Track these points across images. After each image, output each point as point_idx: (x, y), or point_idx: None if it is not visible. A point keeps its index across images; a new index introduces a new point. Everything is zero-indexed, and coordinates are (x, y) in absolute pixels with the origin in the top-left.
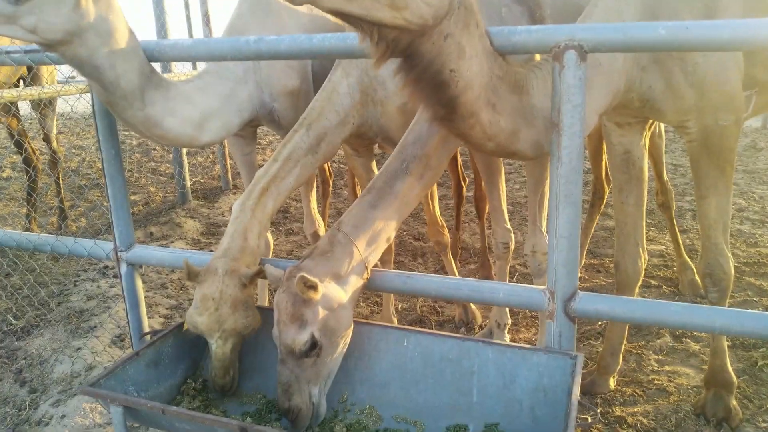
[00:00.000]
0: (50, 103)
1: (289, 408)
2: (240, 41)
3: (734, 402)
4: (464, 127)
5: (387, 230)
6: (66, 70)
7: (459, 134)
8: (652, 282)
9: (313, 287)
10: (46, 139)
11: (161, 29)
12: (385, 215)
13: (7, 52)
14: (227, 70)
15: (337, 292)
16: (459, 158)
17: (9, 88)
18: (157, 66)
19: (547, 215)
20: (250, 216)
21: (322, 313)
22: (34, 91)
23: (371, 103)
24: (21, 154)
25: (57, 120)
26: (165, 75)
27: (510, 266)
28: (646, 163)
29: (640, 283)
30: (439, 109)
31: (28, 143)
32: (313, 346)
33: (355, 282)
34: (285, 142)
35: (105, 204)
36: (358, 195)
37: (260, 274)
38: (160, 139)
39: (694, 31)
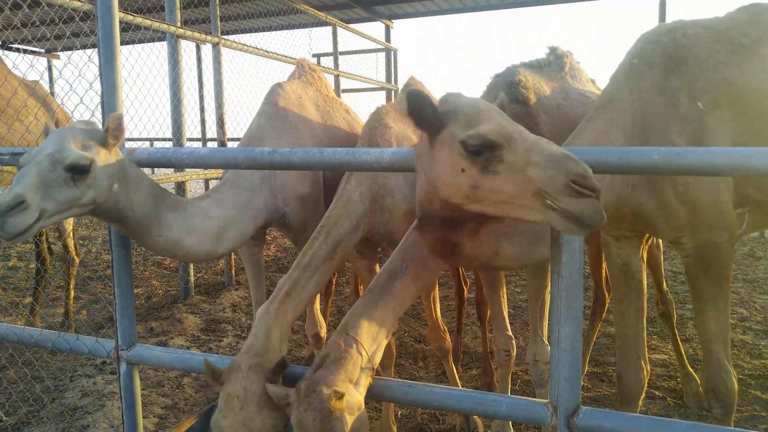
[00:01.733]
0: None
1: None
2: (255, 152)
3: None
4: (456, 258)
5: (387, 328)
6: None
7: (450, 262)
8: (656, 393)
9: (341, 398)
10: (64, 244)
11: (177, 131)
12: (385, 314)
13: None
14: (245, 179)
15: (356, 397)
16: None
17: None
18: None
19: (549, 329)
20: (273, 318)
21: (349, 420)
22: None
23: (380, 209)
24: (35, 247)
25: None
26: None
27: (512, 372)
28: (645, 275)
29: (643, 395)
30: (444, 250)
31: (45, 239)
32: None
33: (366, 381)
34: (306, 250)
35: (107, 296)
36: (361, 293)
37: (284, 367)
38: (183, 257)
39: (686, 157)
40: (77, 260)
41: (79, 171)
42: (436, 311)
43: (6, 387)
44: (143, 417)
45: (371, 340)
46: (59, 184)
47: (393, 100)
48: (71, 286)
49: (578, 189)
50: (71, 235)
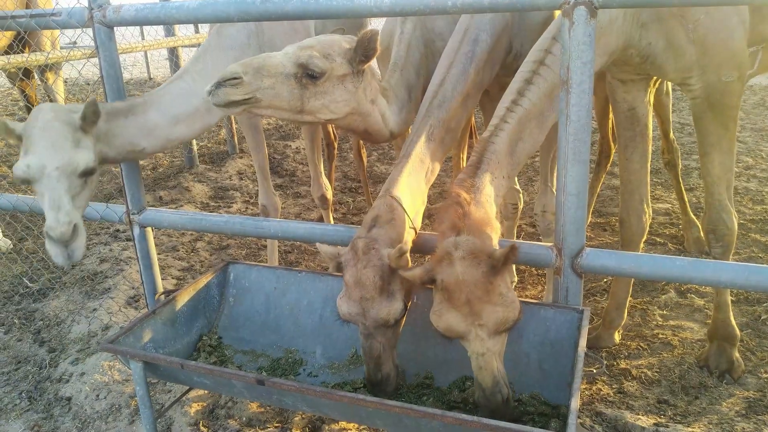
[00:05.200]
0: (55, 71)
1: (381, 378)
2: (246, 2)
3: (737, 354)
4: None
5: (423, 194)
6: (69, 33)
7: None
8: (658, 239)
9: (402, 255)
10: None
11: None
12: (420, 181)
13: (13, 17)
14: (230, 39)
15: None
16: (473, 120)
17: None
18: (160, 29)
19: (556, 174)
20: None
21: (403, 278)
22: (41, 57)
23: (431, 55)
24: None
25: (63, 86)
26: (168, 38)
27: (517, 226)
28: (650, 119)
29: (644, 239)
30: None
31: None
32: (405, 311)
33: (410, 243)
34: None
35: (114, 169)
36: (363, 158)
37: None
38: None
39: None
40: None
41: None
42: (463, 159)
43: (27, 256)
44: (161, 279)
45: (411, 205)
46: None
47: None
48: None
49: None
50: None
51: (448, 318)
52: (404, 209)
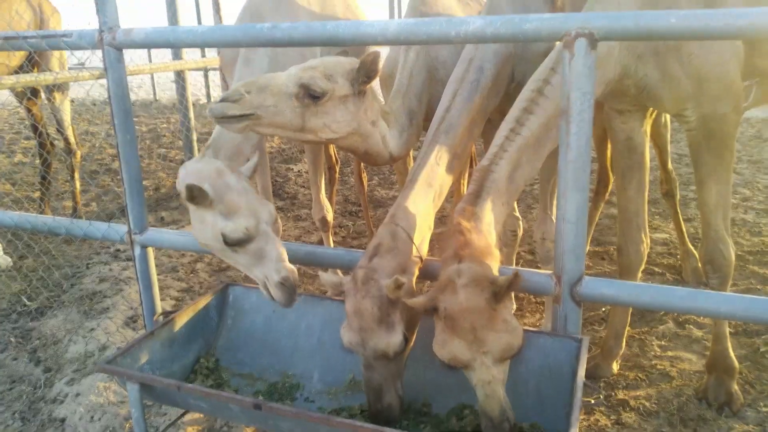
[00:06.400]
0: (62, 91)
1: (381, 408)
2: (255, 28)
3: (736, 387)
4: None
5: (429, 220)
6: (79, 54)
7: None
8: (656, 269)
9: (401, 287)
10: (64, 136)
11: (173, 16)
12: (427, 206)
13: (25, 37)
14: (255, 65)
15: (410, 286)
16: (474, 148)
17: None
18: (167, 52)
19: (556, 202)
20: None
21: (404, 310)
22: (50, 77)
23: (433, 83)
24: (36, 139)
25: (70, 106)
26: (176, 62)
27: (516, 253)
28: (647, 149)
29: (642, 268)
30: None
31: (44, 128)
32: (405, 344)
33: (416, 271)
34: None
35: (117, 189)
36: (364, 182)
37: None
38: None
39: (706, 20)
40: (79, 151)
41: None
42: (465, 185)
43: (26, 274)
44: (160, 300)
45: (417, 232)
46: None
47: None
48: (76, 176)
49: None
50: (70, 126)
51: (452, 347)
52: (409, 237)
